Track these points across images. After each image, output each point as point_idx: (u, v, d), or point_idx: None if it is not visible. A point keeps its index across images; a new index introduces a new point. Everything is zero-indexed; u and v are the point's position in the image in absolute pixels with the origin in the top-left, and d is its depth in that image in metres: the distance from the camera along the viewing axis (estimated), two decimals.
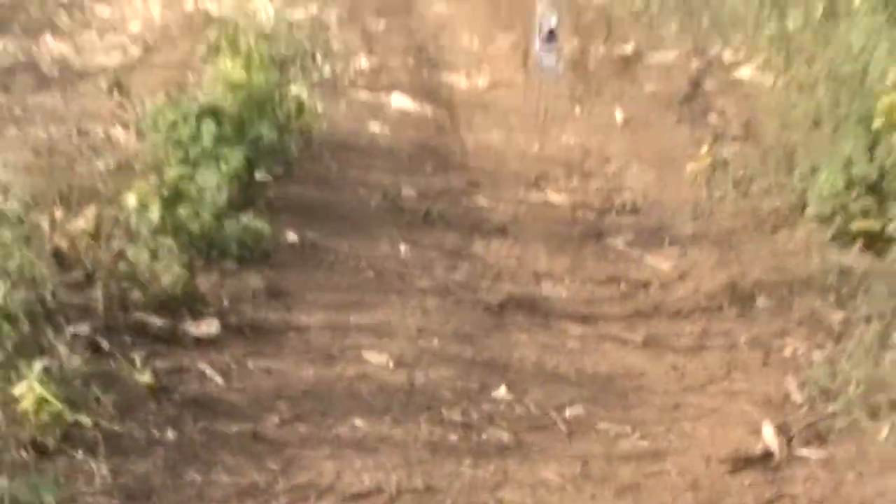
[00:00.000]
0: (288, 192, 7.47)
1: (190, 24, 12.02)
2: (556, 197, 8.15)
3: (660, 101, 10.34)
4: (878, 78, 8.71)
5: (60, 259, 5.70)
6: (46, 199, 6.25)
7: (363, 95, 9.97)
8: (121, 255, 5.73)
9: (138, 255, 5.68)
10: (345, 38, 11.98)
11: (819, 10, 11.20)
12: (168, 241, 5.82)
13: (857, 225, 7.21)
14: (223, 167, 6.51)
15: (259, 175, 7.26)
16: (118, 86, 9.06)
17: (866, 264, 7.00)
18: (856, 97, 8.08)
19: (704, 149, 8.49)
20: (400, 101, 9.95)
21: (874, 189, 7.31)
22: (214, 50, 8.37)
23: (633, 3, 13.49)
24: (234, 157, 6.56)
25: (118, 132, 8.28)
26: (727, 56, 11.70)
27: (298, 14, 12.51)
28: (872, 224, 7.18)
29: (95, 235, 5.90)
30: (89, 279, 5.65)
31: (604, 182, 8.53)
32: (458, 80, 10.90)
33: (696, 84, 10.85)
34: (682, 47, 11.92)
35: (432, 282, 6.57)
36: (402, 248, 6.97)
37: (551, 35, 11.03)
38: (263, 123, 7.24)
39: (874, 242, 7.20)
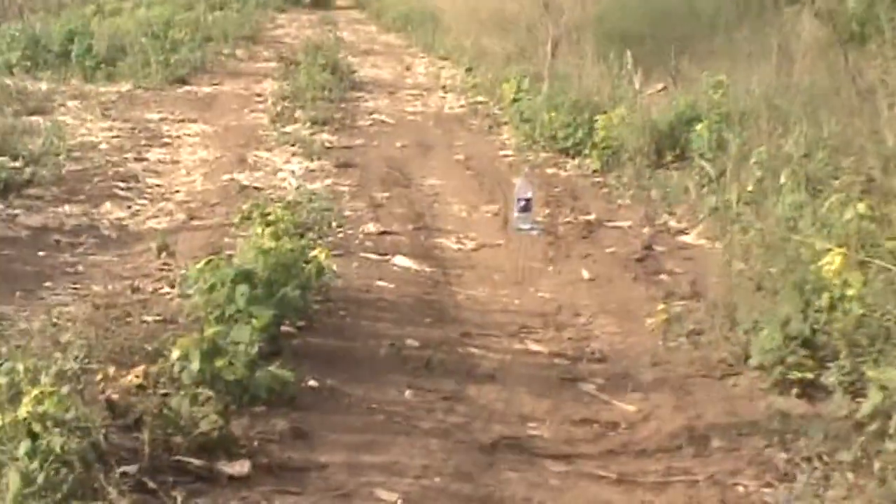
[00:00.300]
0: (309, 343, 7.20)
1: (226, 193, 11.80)
2: (535, 346, 7.87)
3: (619, 261, 10.16)
4: (806, 246, 8.53)
5: (112, 407, 5.38)
6: (101, 355, 5.95)
7: (371, 256, 9.70)
8: (165, 403, 5.41)
9: (180, 404, 5.37)
10: (355, 206, 11.78)
11: (751, 185, 11.09)
12: (206, 391, 5.51)
13: (794, 375, 6.93)
14: (255, 323, 6.21)
15: (284, 327, 6.99)
16: (164, 248, 8.78)
17: (803, 409, 6.74)
18: (789, 265, 7.84)
19: (660, 306, 8.21)
20: (402, 262, 9.76)
21: (808, 344, 7.04)
22: (247, 218, 8.07)
23: (593, 179, 13.41)
24: (264, 316, 6.26)
25: (164, 290, 7.98)
26: (673, 224, 11.54)
27: (316, 185, 12.32)
28: (807, 374, 6.91)
29: (143, 386, 5.59)
30: (137, 424, 5.32)
31: (575, 332, 8.25)
32: (449, 243, 10.67)
33: (648, 247, 10.67)
34: (635, 216, 11.75)
35: (434, 423, 6.27)
36: (408, 393, 6.67)
37: (527, 204, 10.95)
38: (289, 284, 6.97)
39: (809, 390, 6.94)
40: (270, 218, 7.95)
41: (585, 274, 9.71)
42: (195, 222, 10.59)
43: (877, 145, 9.79)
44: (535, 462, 5.98)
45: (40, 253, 9.27)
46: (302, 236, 9.49)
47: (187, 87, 19.48)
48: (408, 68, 25.43)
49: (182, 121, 16.27)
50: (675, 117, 13.87)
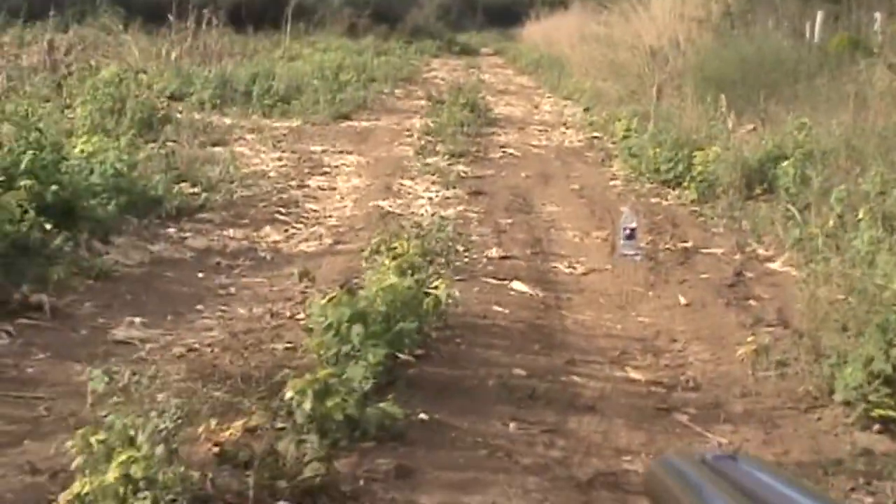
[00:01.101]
0: (424, 372, 6.29)
1: (370, 219, 11.03)
2: (634, 374, 6.91)
3: (712, 287, 9.22)
4: (887, 284, 7.58)
5: (223, 449, 4.56)
6: (204, 407, 5.14)
7: (491, 281, 8.88)
8: (273, 446, 4.59)
9: (287, 448, 4.54)
10: (482, 231, 10.96)
11: (831, 220, 10.12)
12: (312, 437, 4.68)
13: (877, 412, 5.96)
14: (370, 360, 5.38)
15: (403, 356, 6.13)
16: (305, 274, 7.98)
17: (885, 447, 5.78)
18: (872, 305, 6.86)
19: (750, 337, 7.29)
20: (518, 286, 8.90)
21: (890, 382, 6.06)
22: (376, 251, 7.24)
23: (690, 208, 12.52)
24: (378, 353, 5.42)
25: (301, 315, 7.17)
26: (761, 251, 10.58)
27: (449, 211, 11.51)
28: (889, 412, 5.94)
29: (253, 429, 4.78)
30: (247, 466, 4.51)
31: (671, 359, 7.31)
32: (562, 267, 9.80)
33: (739, 273, 9.73)
34: (727, 244, 10.79)
35: (534, 458, 5.35)
36: (511, 425, 5.74)
37: (632, 233, 10.05)
38: (406, 320, 6.13)
39: (891, 426, 5.97)
40: (397, 251, 7.14)
41: (682, 299, 8.79)
42: (339, 246, 9.83)
43: None
44: (628, 500, 5.07)
45: (199, 274, 8.55)
46: (431, 262, 8.73)
47: (349, 123, 18.78)
48: (536, 107, 24.60)
49: (341, 152, 15.54)
50: (764, 155, 13.01)
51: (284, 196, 12.27)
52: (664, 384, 6.72)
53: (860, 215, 9.72)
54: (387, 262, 6.97)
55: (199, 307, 7.48)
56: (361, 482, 4.72)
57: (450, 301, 7.36)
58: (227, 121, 17.39)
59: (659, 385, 6.70)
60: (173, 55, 24.46)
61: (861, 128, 13.31)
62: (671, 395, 6.56)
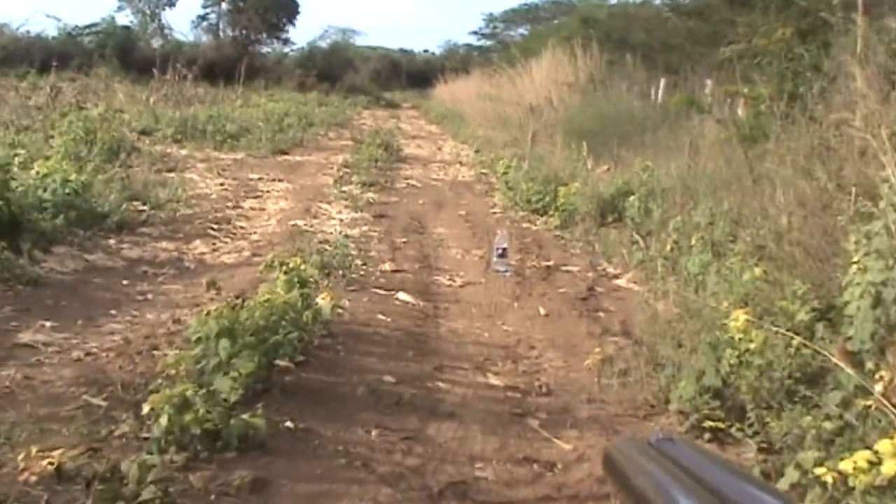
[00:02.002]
0: (301, 379, 5.17)
1: (288, 235, 9.97)
2: (494, 380, 5.91)
3: (568, 300, 8.33)
4: (714, 302, 6.72)
5: (60, 472, 3.46)
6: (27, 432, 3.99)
7: (380, 292, 7.83)
8: (115, 466, 3.51)
9: (129, 468, 3.46)
10: (380, 248, 9.92)
11: (668, 245, 9.27)
12: (156, 458, 3.61)
13: (708, 423, 5.01)
14: (241, 371, 4.32)
15: (282, 363, 5.08)
16: (212, 284, 6.88)
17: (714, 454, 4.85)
18: (704, 322, 5.96)
19: (597, 349, 6.33)
20: (403, 297, 7.86)
21: (719, 395, 5.13)
22: (270, 266, 6.18)
23: (554, 233, 11.61)
24: (247, 367, 4.34)
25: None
26: (610, 270, 9.69)
27: (355, 231, 10.49)
28: (719, 424, 5.00)
29: (95, 450, 3.69)
30: (88, 489, 3.42)
31: (528, 365, 6.34)
32: (443, 280, 8.81)
33: (591, 288, 8.83)
34: (582, 263, 9.90)
35: (390, 467, 4.28)
36: (374, 433, 4.66)
37: (503, 252, 9.15)
38: (285, 329, 5.09)
39: (720, 436, 5.02)
40: (290, 266, 6.09)
41: (542, 310, 7.83)
42: (256, 258, 8.71)
43: (768, 221, 7.91)
44: None
45: (125, 282, 7.39)
46: (329, 275, 7.71)
47: (285, 157, 17.53)
48: (439, 148, 23.56)
49: (274, 180, 14.36)
50: (615, 190, 12.15)
51: (219, 215, 11.15)
52: (520, 389, 5.72)
53: (692, 242, 8.86)
54: (280, 276, 5.93)
55: (113, 312, 6.34)
56: (213, 497, 3.65)
57: (338, 311, 6.38)
58: (184, 152, 16.21)
59: (515, 390, 5.70)
60: (151, 100, 23.26)
61: (693, 170, 12.51)
62: (526, 399, 5.57)
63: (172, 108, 21.79)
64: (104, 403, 4.30)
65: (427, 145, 24.19)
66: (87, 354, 5.19)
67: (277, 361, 5.05)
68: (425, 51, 71.06)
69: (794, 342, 5.34)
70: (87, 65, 33.26)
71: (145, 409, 3.73)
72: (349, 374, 5.41)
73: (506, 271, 9.20)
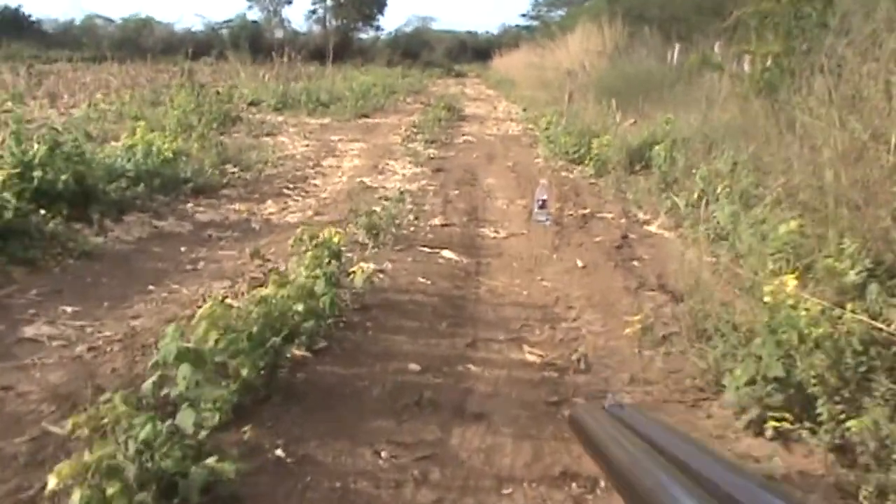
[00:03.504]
0: (314, 374, 3.44)
1: (353, 193, 8.23)
2: (530, 355, 4.12)
3: (603, 249, 6.50)
4: (754, 261, 4.85)
5: None
6: None
7: (426, 250, 6.10)
8: None
9: None
10: (433, 201, 8.14)
11: (695, 194, 7.33)
12: None
13: (771, 423, 3.18)
14: (213, 402, 2.61)
15: (300, 351, 3.38)
16: (256, 253, 5.21)
17: (781, 461, 3.01)
18: (747, 291, 4.12)
19: (637, 313, 4.48)
20: (447, 255, 6.08)
21: (783, 384, 3.29)
22: (299, 243, 4.46)
23: (590, 180, 9.66)
24: (210, 395, 2.61)
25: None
26: (641, 216, 7.76)
27: (413, 185, 8.72)
28: (784, 423, 3.16)
29: None
30: None
31: (566, 332, 4.52)
32: (488, 233, 7.01)
33: (625, 236, 6.97)
34: (615, 210, 7.99)
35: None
36: (384, 453, 2.91)
37: (543, 203, 7.27)
38: (303, 315, 3.37)
39: (784, 433, 3.20)
40: (318, 241, 4.37)
41: (579, 262, 6.01)
42: (317, 217, 7.04)
43: (800, 171, 5.93)
44: None
45: (182, 248, 5.71)
46: (377, 235, 5.99)
47: (366, 120, 15.67)
48: (494, 108, 21.38)
49: (352, 140, 12.54)
50: (642, 141, 10.12)
51: (298, 173, 9.44)
52: (557, 367, 3.93)
53: (718, 190, 6.92)
54: (309, 251, 4.22)
55: (152, 286, 4.65)
56: None
57: (377, 278, 4.65)
58: (280, 119, 14.46)
59: (552, 368, 3.92)
60: (267, 77, 21.53)
61: (710, 121, 10.41)
62: (563, 379, 3.78)
63: (283, 83, 20.00)
64: (62, 433, 2.66)
65: (485, 106, 22.05)
66: (91, 349, 3.55)
67: (294, 351, 3.37)
68: (486, 32, 68.12)
69: (854, 313, 3.49)
70: (223, 53, 31.63)
71: (50, 482, 2.06)
72: (371, 363, 3.68)
73: (546, 220, 7.37)
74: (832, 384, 3.21)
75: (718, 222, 6.43)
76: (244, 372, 2.79)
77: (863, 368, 3.24)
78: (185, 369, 2.51)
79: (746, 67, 12.06)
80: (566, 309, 4.94)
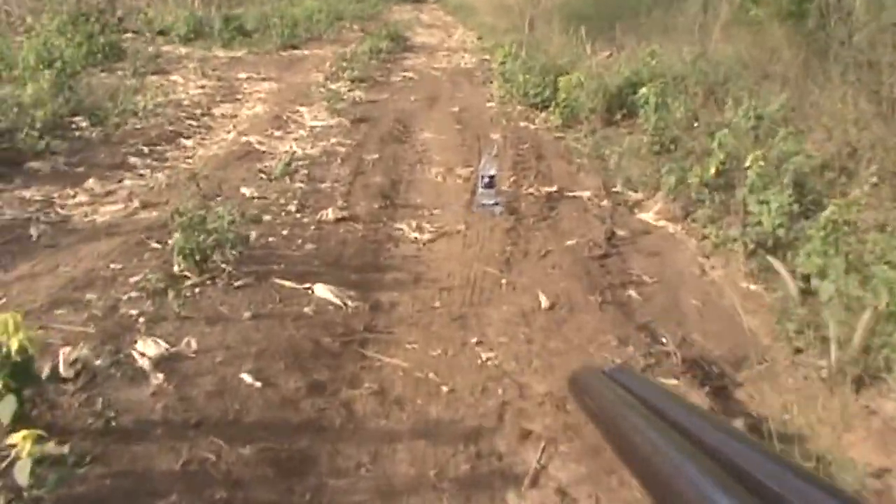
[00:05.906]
0: None
1: (228, 162, 5.61)
2: None
3: (579, 262, 4.26)
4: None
5: None
6: None
7: (287, 285, 3.49)
8: None
9: None
10: (338, 174, 5.55)
11: (712, 168, 4.80)
12: None
13: None
14: None
15: None
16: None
17: None
18: None
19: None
20: (322, 293, 3.51)
21: None
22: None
23: (554, 134, 7.12)
24: None
25: None
26: (630, 194, 5.33)
27: (317, 149, 6.11)
28: None
29: None
30: None
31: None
32: (407, 231, 4.59)
33: (610, 235, 4.68)
34: (593, 183, 5.59)
35: None
36: None
37: (490, 181, 4.68)
38: None
39: None
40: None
41: (543, 299, 3.57)
42: (141, 215, 4.45)
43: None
44: None
45: None
46: (205, 261, 3.42)
47: (293, 52, 12.65)
48: (449, 35, 18.34)
49: (263, 79, 9.65)
50: (623, 81, 7.52)
51: (171, 129, 6.72)
52: None
53: (748, 163, 4.36)
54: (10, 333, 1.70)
55: None
56: None
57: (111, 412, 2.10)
58: (182, 51, 11.50)
59: None
60: (195, 3, 18.29)
61: (709, 55, 7.81)
62: None
63: (215, 10, 16.78)
64: None
65: (438, 33, 19.03)
66: None
67: None
68: None
69: None
70: None
71: None
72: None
73: (494, 206, 4.80)
74: None
75: (760, 223, 3.95)
76: None
77: None
78: None
79: None
80: (517, 439, 2.47)
